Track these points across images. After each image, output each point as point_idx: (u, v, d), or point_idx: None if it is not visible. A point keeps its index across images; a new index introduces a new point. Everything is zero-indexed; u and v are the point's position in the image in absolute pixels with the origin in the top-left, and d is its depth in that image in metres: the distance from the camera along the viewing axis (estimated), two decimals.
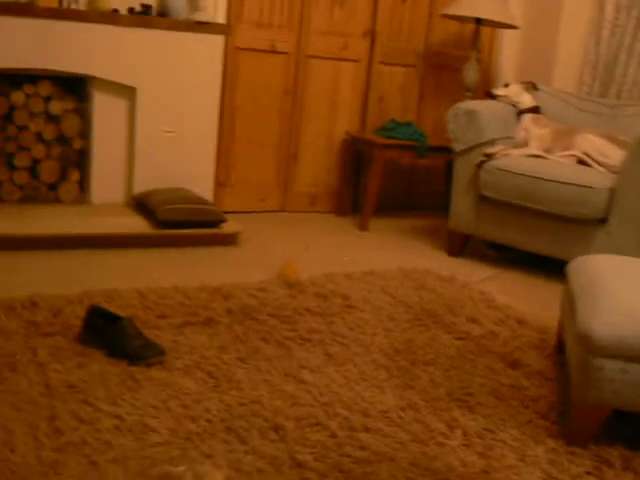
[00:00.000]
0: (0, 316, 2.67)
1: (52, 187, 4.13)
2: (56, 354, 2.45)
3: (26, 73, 3.93)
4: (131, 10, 4.08)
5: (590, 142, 4.11)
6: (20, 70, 3.88)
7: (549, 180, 3.81)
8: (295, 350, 2.68)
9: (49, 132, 4.07)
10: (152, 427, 2.06)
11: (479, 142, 4.11)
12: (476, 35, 4.92)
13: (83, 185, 4.20)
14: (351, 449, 2.08)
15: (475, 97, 4.96)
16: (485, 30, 5.18)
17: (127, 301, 2.95)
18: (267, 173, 4.82)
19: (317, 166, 4.97)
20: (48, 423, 2.04)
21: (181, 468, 1.87)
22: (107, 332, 2.49)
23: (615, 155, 4.00)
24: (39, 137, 4.05)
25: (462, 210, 4.20)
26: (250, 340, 2.72)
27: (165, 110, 4.21)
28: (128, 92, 4.14)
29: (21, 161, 4.03)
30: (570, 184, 3.75)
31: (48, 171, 4.09)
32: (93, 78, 4.06)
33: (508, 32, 5.28)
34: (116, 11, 4.02)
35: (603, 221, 3.73)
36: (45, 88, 4.01)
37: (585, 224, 3.77)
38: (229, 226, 4.04)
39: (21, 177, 4.05)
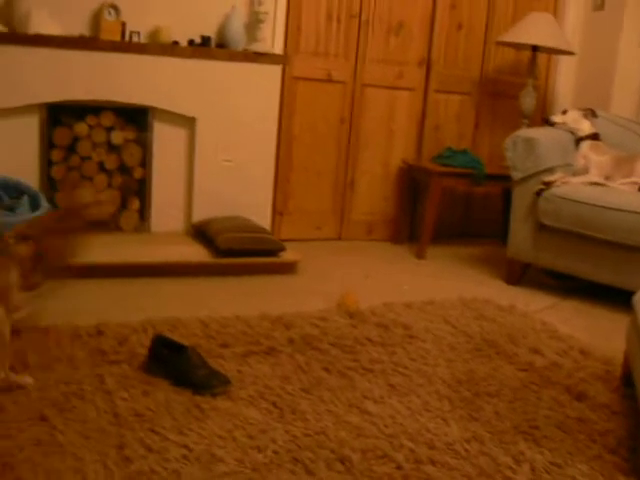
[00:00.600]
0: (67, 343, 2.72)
1: (113, 216, 4.20)
2: (122, 382, 2.48)
3: (89, 105, 4.02)
4: (191, 42, 4.15)
5: None
6: (84, 102, 3.97)
7: (611, 208, 3.76)
8: (358, 380, 2.67)
9: (111, 162, 4.15)
10: (219, 457, 2.07)
11: (538, 170, 4.08)
12: (532, 62, 4.90)
13: (143, 214, 4.26)
14: None
15: (532, 124, 4.94)
16: (541, 56, 5.15)
17: (190, 330, 2.98)
18: (324, 201, 4.84)
19: (373, 194, 4.97)
20: (117, 451, 2.06)
21: None
22: (172, 361, 2.51)
23: None
24: (101, 167, 4.13)
25: (521, 238, 4.16)
26: (312, 370, 2.72)
27: (224, 139, 4.27)
28: (188, 122, 4.20)
29: None
30: (633, 212, 3.69)
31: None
32: (154, 108, 4.13)
33: (565, 58, 5.25)
34: (176, 43, 4.10)
35: None
36: (107, 119, 4.09)
37: None
38: (288, 254, 4.06)
39: None
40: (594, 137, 4.38)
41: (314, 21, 4.58)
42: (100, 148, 4.11)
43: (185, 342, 2.68)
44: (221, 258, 3.89)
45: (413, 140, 5.03)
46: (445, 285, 4.09)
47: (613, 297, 3.98)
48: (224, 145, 4.28)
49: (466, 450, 2.26)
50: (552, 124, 4.45)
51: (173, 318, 3.09)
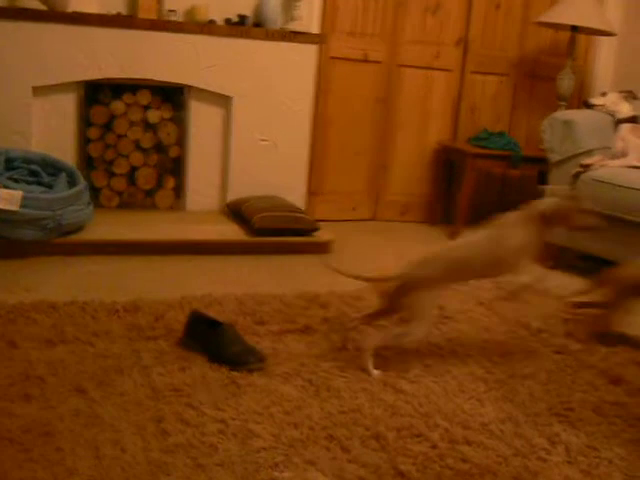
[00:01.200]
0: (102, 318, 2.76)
1: (149, 194, 4.24)
2: (159, 357, 2.50)
3: (126, 83, 4.04)
4: (228, 21, 4.15)
5: None
6: (120, 80, 4.00)
7: None
8: (392, 360, 2.68)
9: (147, 140, 4.17)
10: (256, 432, 2.09)
11: (576, 153, 4.04)
12: (572, 43, 4.84)
13: (179, 192, 4.29)
14: (453, 461, 2.06)
15: (570, 106, 4.87)
16: (581, 37, 5.08)
17: (226, 307, 3.00)
18: (358, 182, 4.83)
19: (408, 175, 4.96)
20: (155, 425, 2.09)
21: (286, 474, 1.90)
22: (209, 337, 2.53)
23: None
24: (137, 145, 4.16)
25: None
26: (347, 349, 2.73)
27: (260, 119, 4.27)
28: (224, 101, 4.21)
29: (119, 168, 4.14)
30: None
31: (145, 178, 4.20)
32: (190, 87, 4.14)
33: (605, 39, 5.16)
34: (213, 22, 4.10)
35: None
36: (144, 97, 4.11)
37: None
38: (322, 234, 4.07)
39: (119, 184, 4.16)
40: (633, 120, 4.32)
41: (351, 0, 4.55)
42: (136, 126, 4.14)
43: (221, 319, 2.70)
44: (257, 237, 3.90)
45: (449, 121, 4.99)
46: None
47: None
48: (260, 124, 4.28)
49: (501, 431, 2.26)
50: (591, 106, 4.39)
51: (209, 295, 3.11)
